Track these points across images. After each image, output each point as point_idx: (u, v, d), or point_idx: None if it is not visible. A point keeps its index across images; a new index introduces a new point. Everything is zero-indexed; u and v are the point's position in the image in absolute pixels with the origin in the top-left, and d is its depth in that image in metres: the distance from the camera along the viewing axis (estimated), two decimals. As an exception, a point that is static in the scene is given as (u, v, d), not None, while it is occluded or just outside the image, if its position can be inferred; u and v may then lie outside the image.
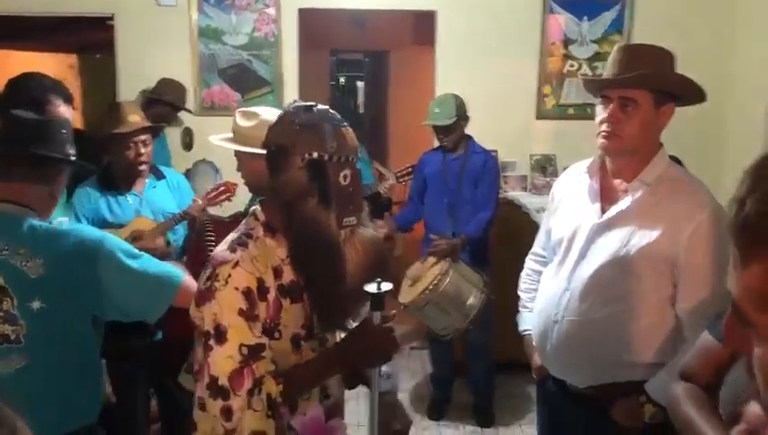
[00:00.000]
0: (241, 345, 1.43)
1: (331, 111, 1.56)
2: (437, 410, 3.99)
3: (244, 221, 1.61)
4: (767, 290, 0.66)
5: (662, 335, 1.80)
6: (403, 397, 4.14)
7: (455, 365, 4.00)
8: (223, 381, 1.42)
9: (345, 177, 1.50)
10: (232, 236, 1.56)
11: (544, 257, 2.17)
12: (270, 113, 2.19)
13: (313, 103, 1.55)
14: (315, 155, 1.47)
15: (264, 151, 1.56)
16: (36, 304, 1.64)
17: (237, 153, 2.23)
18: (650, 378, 1.79)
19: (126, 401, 2.78)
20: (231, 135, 2.25)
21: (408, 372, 4.48)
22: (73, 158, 1.81)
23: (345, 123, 1.54)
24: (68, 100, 2.11)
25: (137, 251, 1.78)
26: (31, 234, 1.67)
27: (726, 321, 0.74)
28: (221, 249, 1.52)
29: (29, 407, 1.69)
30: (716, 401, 1.32)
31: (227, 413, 1.42)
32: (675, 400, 1.44)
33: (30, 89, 2.07)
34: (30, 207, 1.71)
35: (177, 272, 1.82)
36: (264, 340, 1.47)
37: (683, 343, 1.75)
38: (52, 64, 7.52)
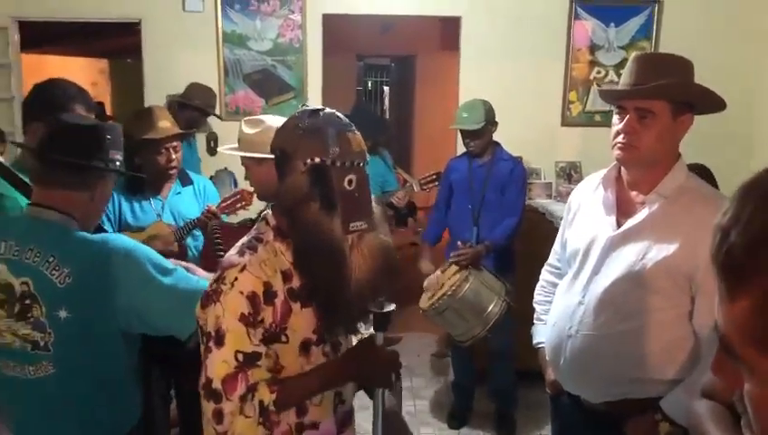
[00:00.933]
0: (237, 352, 1.43)
1: (338, 114, 1.54)
2: (458, 418, 3.95)
3: (255, 225, 1.61)
4: (754, 325, 0.64)
5: (679, 352, 1.76)
6: (423, 405, 4.13)
7: (476, 373, 3.96)
8: (216, 384, 1.43)
9: (350, 181, 1.49)
10: (243, 239, 1.57)
11: (560, 269, 2.14)
12: (275, 120, 2.21)
13: (320, 108, 1.55)
14: (317, 160, 1.46)
15: (267, 156, 1.56)
16: (63, 314, 1.63)
17: (244, 161, 2.25)
18: (666, 395, 1.75)
19: (145, 404, 2.80)
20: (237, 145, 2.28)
21: (429, 380, 4.46)
22: (118, 163, 1.80)
23: (352, 128, 1.53)
24: (90, 108, 2.12)
25: (170, 266, 1.75)
26: (63, 242, 1.66)
27: (716, 355, 0.72)
28: (231, 253, 1.54)
29: (51, 416, 1.71)
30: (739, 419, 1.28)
31: (219, 416, 1.43)
32: (696, 418, 1.40)
33: (53, 95, 2.08)
34: (71, 214, 1.70)
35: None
36: (262, 349, 1.47)
37: (701, 359, 1.71)
38: (84, 69, 7.68)
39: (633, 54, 1.84)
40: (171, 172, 2.83)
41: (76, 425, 1.72)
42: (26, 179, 1.92)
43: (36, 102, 2.08)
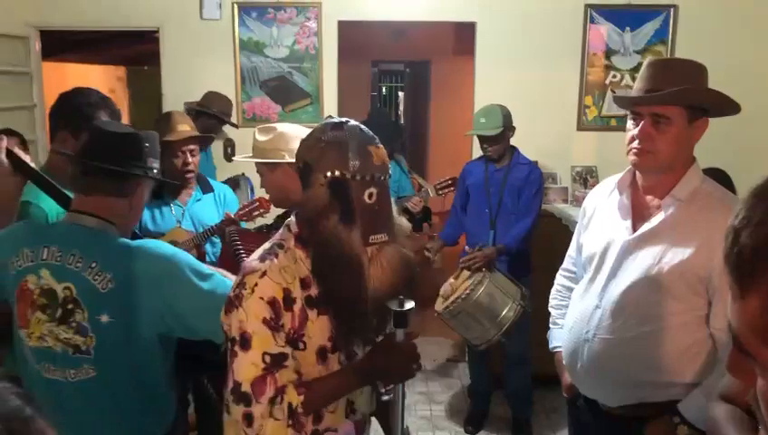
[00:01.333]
0: (264, 353, 1.45)
1: (361, 127, 1.56)
2: (475, 422, 3.94)
3: (279, 231, 1.63)
4: (764, 324, 0.65)
5: (697, 355, 1.76)
6: (439, 409, 4.13)
7: (492, 378, 3.96)
8: (245, 387, 1.45)
9: (370, 195, 1.50)
10: (266, 245, 1.59)
11: (575, 274, 2.14)
12: (287, 127, 2.25)
13: (345, 120, 1.56)
14: (337, 173, 1.48)
15: (278, 162, 1.57)
16: (105, 318, 1.66)
17: (258, 168, 2.28)
18: (685, 398, 1.75)
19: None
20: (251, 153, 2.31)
21: (445, 385, 4.46)
22: (155, 171, 1.83)
23: (375, 141, 1.54)
24: (115, 116, 2.16)
25: (207, 271, 1.77)
26: (104, 248, 1.70)
27: (730, 354, 0.73)
28: (253, 258, 1.56)
29: (91, 419, 1.73)
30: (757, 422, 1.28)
31: (249, 419, 1.44)
32: (715, 422, 1.40)
33: (78, 103, 2.11)
34: (110, 220, 1.74)
35: None
36: (288, 350, 1.49)
37: (719, 362, 1.71)
38: (102, 76, 7.77)
39: (647, 60, 1.85)
40: (188, 176, 2.86)
41: (115, 427, 1.74)
42: (64, 192, 1.95)
43: (62, 111, 2.12)
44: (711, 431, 1.42)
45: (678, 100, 1.72)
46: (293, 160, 1.64)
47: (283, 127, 2.26)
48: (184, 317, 1.71)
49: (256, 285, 1.47)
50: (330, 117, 1.62)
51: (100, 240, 1.71)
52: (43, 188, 1.94)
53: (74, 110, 2.08)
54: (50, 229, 1.80)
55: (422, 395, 4.27)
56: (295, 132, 2.17)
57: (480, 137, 3.63)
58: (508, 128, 3.59)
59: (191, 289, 1.70)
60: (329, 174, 1.48)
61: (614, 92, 4.54)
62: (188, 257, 1.79)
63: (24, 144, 3.57)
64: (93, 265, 1.67)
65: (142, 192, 1.82)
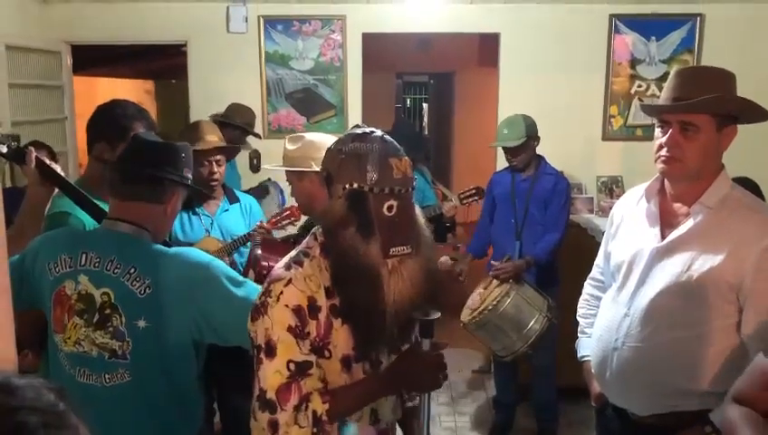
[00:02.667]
0: (289, 361, 1.46)
1: (385, 138, 1.54)
2: (499, 434, 3.92)
3: (306, 240, 1.64)
4: None
5: (728, 363, 1.74)
6: (464, 421, 4.11)
7: (518, 389, 3.94)
8: (271, 394, 1.46)
9: (390, 208, 1.49)
10: (292, 253, 1.60)
11: (603, 283, 2.13)
12: (314, 136, 2.29)
13: (369, 131, 1.55)
14: (355, 186, 1.48)
15: (306, 170, 1.58)
16: (142, 323, 1.69)
17: (288, 176, 2.31)
18: (716, 407, 1.73)
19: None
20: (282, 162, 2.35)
21: (470, 396, 4.44)
22: (190, 181, 1.88)
23: (398, 153, 1.52)
24: (151, 127, 2.19)
25: (240, 278, 1.80)
26: (142, 254, 1.73)
27: None
28: (279, 266, 1.57)
29: (124, 423, 1.75)
30: None
31: (274, 427, 1.45)
32: (731, 425, 1.39)
33: (116, 115, 2.15)
34: (145, 227, 1.78)
35: None
36: (312, 358, 1.49)
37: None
38: (131, 90, 7.91)
39: (674, 69, 1.84)
40: (213, 184, 2.89)
41: (148, 432, 1.77)
42: (92, 200, 1.99)
43: (100, 123, 2.16)
44: (727, 433, 1.40)
45: (706, 108, 1.71)
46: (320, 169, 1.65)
47: (311, 136, 2.30)
48: (217, 323, 1.73)
49: (282, 293, 1.48)
50: (357, 126, 1.62)
51: (137, 246, 1.75)
52: (72, 197, 1.98)
53: (112, 121, 2.12)
54: (88, 236, 1.84)
55: (447, 406, 4.26)
56: (323, 141, 2.19)
57: (504, 148, 3.63)
58: (532, 137, 3.57)
59: (227, 296, 1.73)
60: (347, 186, 1.49)
61: (641, 101, 4.51)
62: (224, 265, 1.82)
63: (52, 156, 3.64)
64: (132, 270, 1.70)
65: (177, 200, 1.87)
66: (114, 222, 1.78)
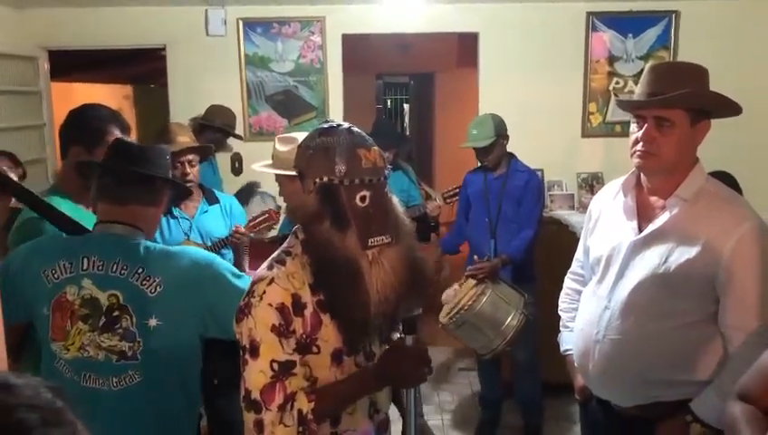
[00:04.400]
0: (272, 361, 1.47)
1: (352, 130, 1.54)
2: (486, 431, 3.94)
3: (287, 239, 1.65)
4: None
5: (707, 353, 1.77)
6: (450, 419, 4.12)
7: (503, 385, 3.96)
8: (255, 394, 1.47)
9: (363, 198, 1.49)
10: (274, 254, 1.61)
11: (583, 277, 2.15)
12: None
13: (336, 124, 1.56)
14: (325, 179, 1.49)
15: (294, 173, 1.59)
16: (153, 322, 1.70)
17: (278, 177, 2.30)
18: (697, 396, 1.76)
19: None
20: (271, 161, 2.33)
21: (456, 394, 4.46)
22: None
23: (366, 142, 1.53)
24: (125, 130, 2.19)
25: (239, 272, 1.84)
26: (146, 254, 1.74)
27: None
28: (262, 267, 1.58)
29: (133, 427, 1.74)
30: None
31: (260, 426, 1.46)
32: (733, 422, 1.40)
33: (89, 119, 2.14)
34: (139, 228, 1.79)
35: None
36: (296, 357, 1.50)
37: (730, 360, 1.72)
38: (109, 95, 7.84)
39: (649, 64, 1.88)
40: (187, 185, 2.88)
41: (157, 431, 1.76)
42: (54, 206, 1.94)
43: (74, 127, 2.14)
44: (730, 430, 1.42)
45: (681, 103, 1.74)
46: None
47: (302, 137, 2.27)
48: (222, 316, 1.73)
49: (265, 292, 1.49)
50: (325, 121, 1.62)
51: (139, 247, 1.75)
52: (31, 206, 1.94)
53: (86, 125, 2.11)
54: (86, 240, 1.82)
55: (433, 405, 4.27)
56: None
57: (474, 148, 3.66)
58: (502, 136, 3.60)
59: (231, 289, 1.75)
60: (317, 180, 1.50)
61: (617, 96, 4.56)
62: (224, 261, 1.87)
63: (15, 162, 3.56)
64: (140, 270, 1.71)
65: (165, 201, 1.89)
66: (109, 225, 1.78)
